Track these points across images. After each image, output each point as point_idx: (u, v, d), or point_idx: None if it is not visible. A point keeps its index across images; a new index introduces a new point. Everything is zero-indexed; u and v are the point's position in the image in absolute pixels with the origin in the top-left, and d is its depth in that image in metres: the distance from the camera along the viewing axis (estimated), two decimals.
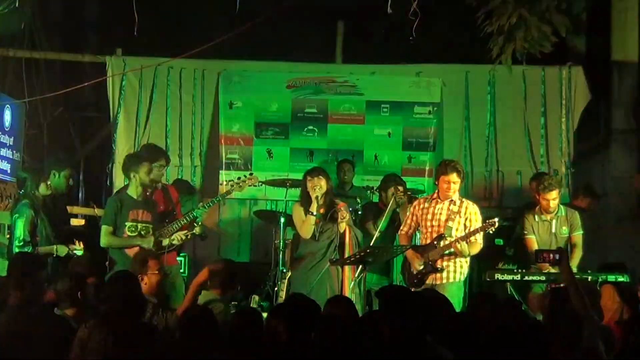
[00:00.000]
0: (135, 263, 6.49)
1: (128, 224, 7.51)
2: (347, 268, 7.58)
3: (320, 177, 7.65)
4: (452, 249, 7.42)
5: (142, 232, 7.50)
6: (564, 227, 8.05)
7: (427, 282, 7.46)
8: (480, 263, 8.58)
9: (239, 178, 8.64)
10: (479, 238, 7.49)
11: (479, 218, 7.54)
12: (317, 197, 7.59)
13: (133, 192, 7.61)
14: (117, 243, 7.50)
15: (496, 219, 7.49)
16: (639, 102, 10.01)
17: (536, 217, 8.10)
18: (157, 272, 6.27)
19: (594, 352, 4.66)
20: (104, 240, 7.52)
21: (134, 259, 6.65)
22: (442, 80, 9.97)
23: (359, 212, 8.78)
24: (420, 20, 7.87)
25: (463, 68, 10.04)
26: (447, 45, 10.51)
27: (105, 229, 7.52)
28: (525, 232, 8.13)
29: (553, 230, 8.04)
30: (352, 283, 7.56)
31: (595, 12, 10.14)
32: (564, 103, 9.91)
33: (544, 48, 9.23)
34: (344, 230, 7.66)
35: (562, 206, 8.12)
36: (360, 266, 7.37)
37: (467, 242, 7.42)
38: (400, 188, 8.40)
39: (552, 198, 7.97)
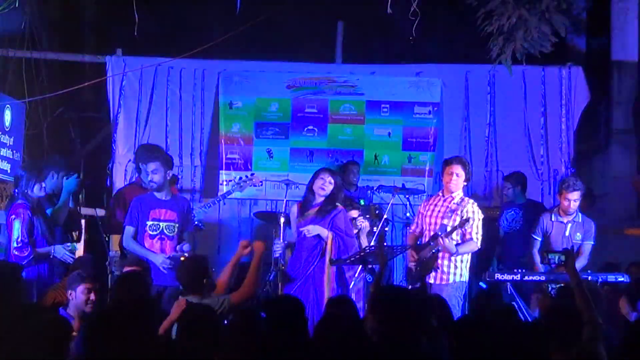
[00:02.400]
0: None
1: None
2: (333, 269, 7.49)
3: (332, 178, 7.51)
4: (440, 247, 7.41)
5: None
6: (578, 233, 7.99)
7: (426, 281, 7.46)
8: (480, 263, 8.60)
9: (240, 178, 8.65)
10: (474, 237, 7.45)
11: (478, 217, 7.48)
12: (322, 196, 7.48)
13: None
14: None
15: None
16: (639, 102, 10.02)
17: (553, 216, 8.07)
18: None
19: (593, 353, 4.65)
20: None
21: None
22: (442, 80, 9.98)
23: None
24: (420, 20, 7.87)
25: (463, 68, 10.04)
26: (447, 45, 10.51)
27: None
28: (534, 232, 8.11)
29: (566, 234, 8.00)
30: (353, 282, 7.57)
31: (595, 12, 10.13)
32: (564, 103, 9.91)
33: (544, 48, 9.23)
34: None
35: (580, 213, 8.08)
36: (361, 266, 7.38)
37: (451, 239, 7.31)
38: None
39: (574, 199, 7.92)
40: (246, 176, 9.05)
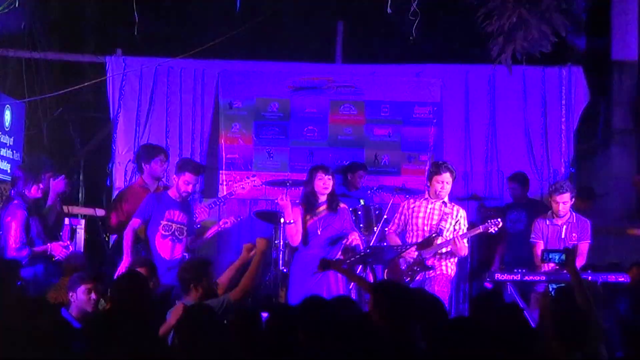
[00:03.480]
0: None
1: None
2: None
3: (329, 174, 7.56)
4: (445, 248, 7.45)
5: None
6: (573, 234, 7.99)
7: (417, 278, 7.48)
8: (481, 264, 8.61)
9: (241, 180, 8.64)
10: (465, 241, 7.58)
11: (467, 224, 7.66)
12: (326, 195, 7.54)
13: None
14: None
15: (499, 219, 7.54)
16: (639, 102, 10.02)
17: (547, 221, 8.06)
18: None
19: (594, 353, 4.65)
20: None
21: None
22: (442, 80, 9.98)
23: (359, 212, 8.78)
24: (420, 20, 7.88)
25: (463, 68, 10.04)
26: (447, 45, 10.50)
27: None
28: (533, 236, 8.10)
29: (562, 236, 7.99)
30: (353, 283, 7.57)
31: (595, 12, 10.14)
32: (564, 103, 9.91)
33: (544, 48, 9.23)
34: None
35: (574, 213, 8.08)
36: (361, 266, 7.38)
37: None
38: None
39: (563, 201, 7.91)
40: (247, 177, 9.04)
